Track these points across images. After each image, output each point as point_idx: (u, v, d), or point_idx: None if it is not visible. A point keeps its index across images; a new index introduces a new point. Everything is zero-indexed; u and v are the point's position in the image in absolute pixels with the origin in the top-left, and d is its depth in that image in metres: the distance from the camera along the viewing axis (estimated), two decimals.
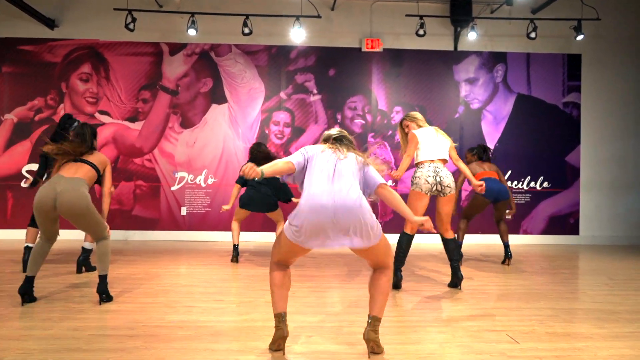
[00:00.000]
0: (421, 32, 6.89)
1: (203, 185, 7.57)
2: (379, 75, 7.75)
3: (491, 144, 7.84)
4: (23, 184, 7.30)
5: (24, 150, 7.43)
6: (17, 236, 7.15)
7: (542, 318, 3.54)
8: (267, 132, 7.66)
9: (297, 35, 6.87)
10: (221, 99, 7.61)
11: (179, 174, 7.57)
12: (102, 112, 7.52)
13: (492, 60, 7.85)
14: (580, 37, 7.15)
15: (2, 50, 7.40)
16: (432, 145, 4.21)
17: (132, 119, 7.54)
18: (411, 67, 7.79)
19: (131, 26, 6.78)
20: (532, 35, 6.89)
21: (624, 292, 4.46)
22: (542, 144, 7.87)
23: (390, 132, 7.77)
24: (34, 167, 7.41)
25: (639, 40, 7.91)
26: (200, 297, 4.01)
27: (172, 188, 7.57)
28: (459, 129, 7.83)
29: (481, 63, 7.84)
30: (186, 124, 7.59)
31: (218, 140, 7.61)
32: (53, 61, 7.46)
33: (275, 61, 7.66)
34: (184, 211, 7.56)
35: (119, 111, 7.54)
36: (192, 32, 6.89)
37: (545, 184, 7.89)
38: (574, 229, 7.92)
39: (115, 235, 7.46)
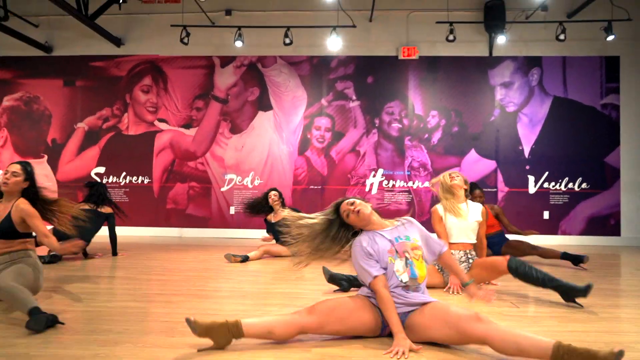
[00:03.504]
0: (451, 37, 7.22)
1: (250, 186, 8.16)
2: (415, 82, 8.12)
3: (527, 145, 8.00)
4: None
5: (93, 154, 8.31)
6: None
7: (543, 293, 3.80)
8: (309, 136, 8.18)
9: (334, 44, 7.39)
10: (267, 107, 8.22)
11: (228, 176, 8.20)
12: (161, 120, 8.30)
13: (527, 64, 8.05)
14: (610, 38, 7.25)
15: (77, 67, 8.36)
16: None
17: (187, 125, 8.27)
18: (447, 73, 8.11)
19: (185, 40, 7.52)
20: (562, 37, 7.06)
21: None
22: (580, 145, 7.94)
23: (426, 135, 8.09)
24: (102, 170, 8.28)
25: None
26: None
27: (222, 189, 8.21)
28: (494, 131, 8.04)
29: (516, 67, 8.05)
30: (235, 129, 8.24)
31: (264, 145, 8.20)
32: (119, 75, 8.35)
33: (316, 70, 8.21)
34: (232, 210, 8.17)
35: (175, 119, 8.30)
36: (238, 44, 7.56)
37: (584, 185, 7.94)
38: (615, 230, 7.90)
39: (172, 232, 8.16)
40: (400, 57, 8.01)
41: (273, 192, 5.93)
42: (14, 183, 3.28)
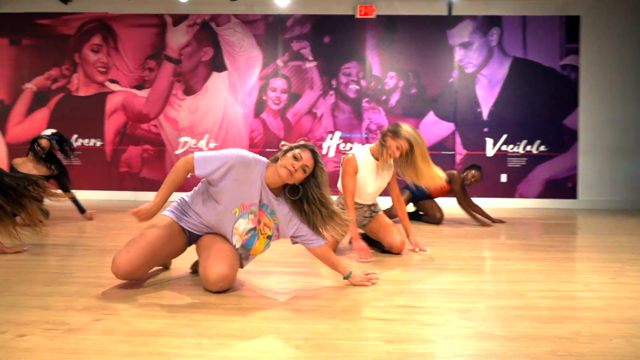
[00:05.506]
0: None
1: (205, 148, 8.00)
2: (373, 42, 7.92)
3: (486, 107, 7.89)
4: None
5: (42, 117, 8.06)
6: None
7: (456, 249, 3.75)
8: (264, 98, 7.99)
9: (283, 0, 7.16)
10: (221, 67, 7.99)
11: (183, 139, 8.03)
12: (112, 81, 8.05)
13: (487, 24, 7.86)
14: None
15: (22, 24, 8.03)
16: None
17: (139, 86, 8.03)
18: (405, 32, 7.91)
19: None
20: None
21: (578, 236, 4.57)
22: (539, 107, 7.84)
23: (384, 97, 7.94)
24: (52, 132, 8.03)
25: (638, 3, 7.72)
26: None
27: (177, 152, 8.03)
28: (453, 93, 7.91)
29: (475, 27, 7.86)
30: (189, 91, 8.02)
31: (218, 107, 8.00)
32: (67, 33, 8.04)
33: (272, 30, 7.96)
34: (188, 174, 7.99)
35: (127, 79, 8.05)
36: None
37: (542, 148, 7.87)
38: (572, 193, 7.88)
39: (126, 195, 8.01)
40: (357, 15, 7.78)
41: None
42: None
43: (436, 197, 5.42)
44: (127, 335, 1.77)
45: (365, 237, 3.72)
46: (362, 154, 3.41)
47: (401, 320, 1.97)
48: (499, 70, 7.87)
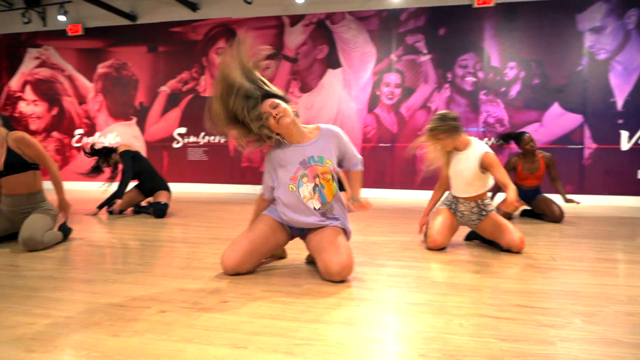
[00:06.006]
0: None
1: None
2: (491, 31, 7.58)
3: (621, 97, 7.19)
4: (175, 145, 8.76)
5: (175, 116, 8.84)
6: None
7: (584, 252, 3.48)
8: (378, 93, 8.02)
9: None
10: (336, 64, 8.16)
11: None
12: None
13: (623, 5, 7.15)
14: None
15: (159, 33, 8.86)
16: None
17: None
18: (527, 20, 7.46)
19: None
20: None
21: None
22: None
23: (503, 88, 7.57)
24: (183, 130, 8.80)
25: None
26: None
27: None
28: (582, 82, 7.32)
29: (609, 9, 7.19)
30: (305, 88, 8.30)
31: (333, 103, 8.19)
32: (196, 39, 8.72)
33: (386, 24, 7.96)
34: None
35: None
36: (299, 0, 7.54)
37: None
38: None
39: (247, 189, 8.50)
40: (475, 5, 7.50)
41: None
42: None
43: (532, 184, 5.08)
44: (251, 317, 1.92)
45: (477, 237, 3.65)
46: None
47: (517, 320, 1.91)
48: (637, 56, 7.13)
